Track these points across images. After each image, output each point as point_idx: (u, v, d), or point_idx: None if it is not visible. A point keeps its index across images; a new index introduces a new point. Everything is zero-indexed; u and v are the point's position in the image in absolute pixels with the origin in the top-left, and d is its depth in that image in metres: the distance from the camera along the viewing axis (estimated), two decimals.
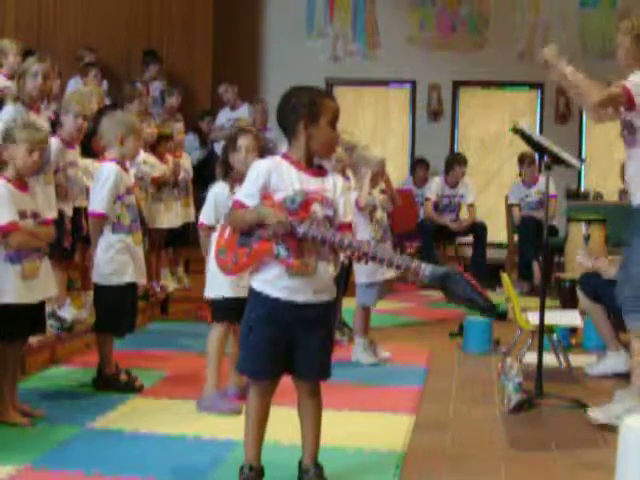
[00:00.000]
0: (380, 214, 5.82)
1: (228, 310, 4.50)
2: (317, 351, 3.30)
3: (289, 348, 3.27)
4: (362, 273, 5.75)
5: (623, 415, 4.03)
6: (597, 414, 4.36)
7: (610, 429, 4.16)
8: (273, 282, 3.22)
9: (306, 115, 3.20)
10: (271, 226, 3.14)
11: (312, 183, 3.25)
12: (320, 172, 3.30)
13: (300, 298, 3.22)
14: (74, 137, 5.52)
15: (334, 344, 3.54)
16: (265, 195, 3.21)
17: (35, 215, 4.21)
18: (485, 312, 3.11)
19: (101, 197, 4.74)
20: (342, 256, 3.32)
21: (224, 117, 9.47)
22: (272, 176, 3.21)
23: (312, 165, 3.29)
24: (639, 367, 4.36)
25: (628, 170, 4.54)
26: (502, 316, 6.83)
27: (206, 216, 4.60)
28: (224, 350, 4.60)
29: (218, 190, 4.58)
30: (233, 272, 3.39)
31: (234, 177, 4.49)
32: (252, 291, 3.30)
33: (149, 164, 6.77)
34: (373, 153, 5.98)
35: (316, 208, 3.22)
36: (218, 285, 4.46)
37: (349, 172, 6.07)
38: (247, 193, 3.24)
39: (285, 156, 3.28)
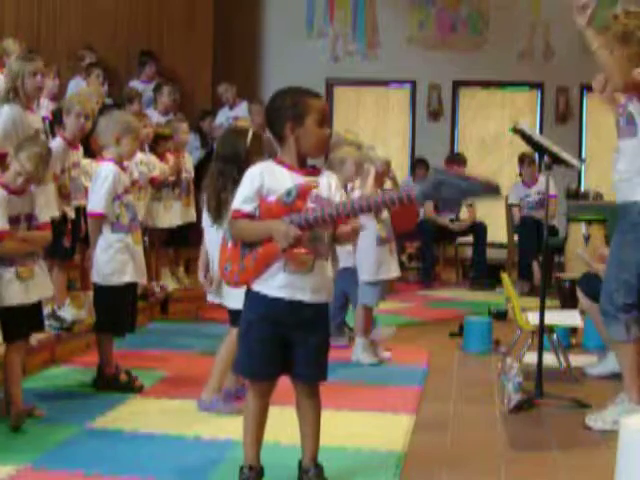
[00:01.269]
0: (385, 214, 5.80)
1: None
2: (315, 352, 3.29)
3: (287, 349, 3.26)
4: (365, 271, 5.74)
5: (620, 418, 4.05)
6: (595, 422, 4.35)
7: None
8: (270, 280, 3.20)
9: (291, 117, 3.19)
10: (280, 240, 3.11)
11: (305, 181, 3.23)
12: (313, 172, 3.29)
13: (298, 296, 3.20)
14: (77, 137, 5.52)
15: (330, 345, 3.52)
16: (260, 199, 3.20)
17: (29, 218, 4.17)
18: (491, 193, 3.02)
19: (99, 197, 4.74)
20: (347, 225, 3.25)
21: (224, 116, 9.48)
22: (265, 179, 3.20)
23: (305, 166, 3.28)
24: (629, 376, 4.36)
25: (618, 164, 4.30)
26: (502, 316, 6.86)
27: None
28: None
29: None
30: (241, 282, 3.30)
31: None
32: (249, 291, 3.29)
33: (150, 164, 6.76)
34: (378, 153, 5.95)
35: (310, 206, 3.19)
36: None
37: None
38: (244, 198, 3.22)
39: (277, 160, 3.27)
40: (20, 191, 4.15)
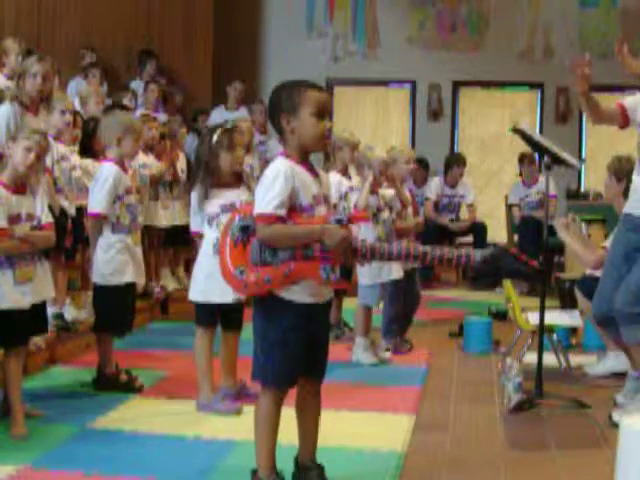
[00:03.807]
0: (386, 215, 5.77)
1: (213, 314, 4.49)
2: (326, 350, 3.34)
3: (310, 350, 3.22)
4: (365, 275, 5.71)
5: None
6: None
7: (610, 428, 4.17)
8: (297, 289, 3.12)
9: (286, 109, 3.09)
10: (332, 245, 3.04)
11: (316, 185, 3.18)
12: (315, 171, 3.24)
13: (322, 299, 3.21)
14: (63, 132, 5.51)
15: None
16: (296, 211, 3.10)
17: (31, 217, 4.11)
18: (532, 279, 3.20)
19: (100, 197, 4.73)
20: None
21: (219, 116, 9.41)
22: (296, 180, 3.08)
23: (308, 161, 3.20)
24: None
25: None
26: (502, 316, 6.86)
27: (197, 224, 4.53)
28: (212, 353, 4.55)
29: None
30: (259, 293, 3.14)
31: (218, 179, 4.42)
32: (267, 297, 3.13)
33: (148, 164, 6.76)
34: (376, 153, 5.91)
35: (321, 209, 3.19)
36: (208, 289, 4.39)
37: (351, 171, 6.05)
38: (279, 203, 3.02)
39: (287, 155, 3.14)
40: (21, 189, 4.11)
